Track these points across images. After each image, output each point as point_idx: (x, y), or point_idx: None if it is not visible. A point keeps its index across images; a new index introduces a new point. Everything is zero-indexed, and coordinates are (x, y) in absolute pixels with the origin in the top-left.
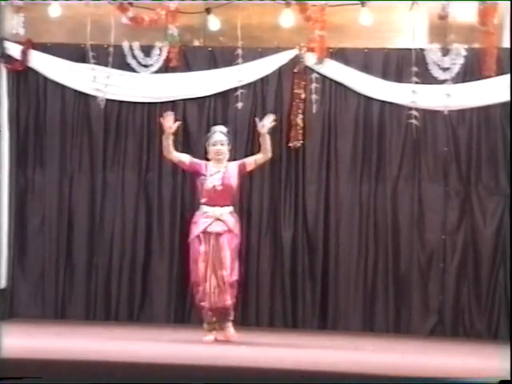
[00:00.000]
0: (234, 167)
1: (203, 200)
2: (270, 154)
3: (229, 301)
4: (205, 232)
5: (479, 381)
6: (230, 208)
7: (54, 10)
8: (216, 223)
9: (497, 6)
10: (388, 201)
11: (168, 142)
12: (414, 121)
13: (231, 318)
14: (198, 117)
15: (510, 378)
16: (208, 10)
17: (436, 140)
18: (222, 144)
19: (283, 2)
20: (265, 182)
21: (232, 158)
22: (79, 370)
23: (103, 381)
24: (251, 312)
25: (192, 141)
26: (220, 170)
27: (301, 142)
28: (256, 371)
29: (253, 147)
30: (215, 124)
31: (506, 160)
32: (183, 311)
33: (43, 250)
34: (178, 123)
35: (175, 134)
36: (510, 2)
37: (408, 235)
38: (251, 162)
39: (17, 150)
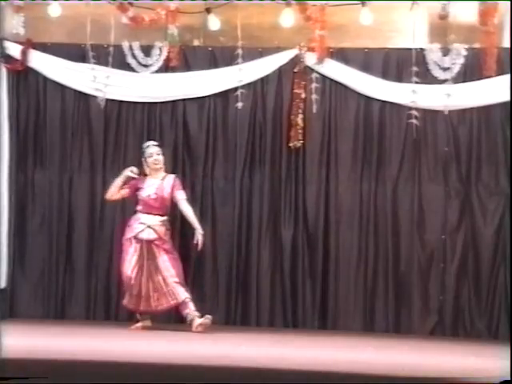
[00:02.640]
0: (170, 180)
1: (138, 207)
2: (199, 230)
3: (183, 295)
4: (136, 238)
5: (479, 381)
6: (163, 218)
7: (54, 10)
8: (147, 230)
9: (497, 6)
10: (388, 201)
11: (117, 186)
12: (414, 121)
13: (192, 313)
14: (198, 117)
15: (510, 378)
16: (208, 10)
17: (436, 140)
18: (158, 154)
19: (283, 1)
20: (265, 182)
21: (232, 159)
22: (79, 369)
23: (103, 381)
24: (251, 312)
25: (192, 141)
26: (155, 182)
27: (301, 141)
28: (256, 371)
29: (253, 147)
30: (215, 124)
31: (506, 160)
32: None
33: (43, 249)
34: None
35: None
36: (510, 2)
37: (408, 235)
38: (180, 199)
39: (17, 150)
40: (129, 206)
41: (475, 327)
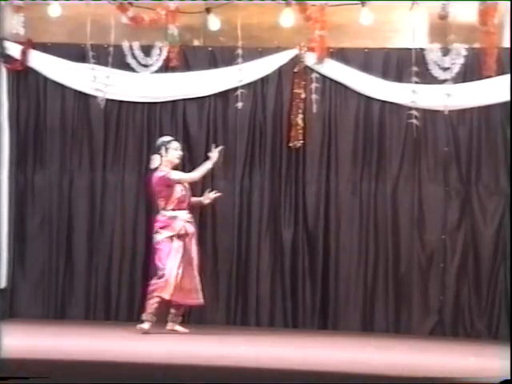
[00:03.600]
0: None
1: (172, 205)
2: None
3: (201, 300)
4: (179, 235)
5: (479, 381)
6: (189, 212)
7: (54, 10)
8: (187, 225)
9: (497, 6)
10: (388, 201)
11: (207, 169)
12: (414, 121)
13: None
14: (198, 117)
15: (510, 378)
16: (208, 10)
17: (436, 140)
18: (180, 148)
19: (283, 1)
20: (265, 182)
21: (232, 159)
22: (79, 369)
23: (103, 381)
24: (251, 312)
25: (192, 141)
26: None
27: (301, 141)
28: (256, 371)
29: (253, 147)
30: (215, 124)
31: (506, 160)
32: (183, 311)
33: (43, 250)
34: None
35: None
36: (509, 2)
37: (408, 235)
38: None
39: (17, 150)
40: (129, 206)
41: (475, 327)
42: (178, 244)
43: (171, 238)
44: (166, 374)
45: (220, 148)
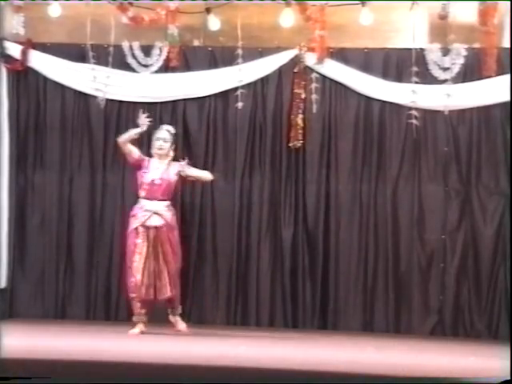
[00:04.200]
0: (175, 166)
1: (142, 194)
2: (210, 177)
3: (170, 292)
4: (143, 226)
5: (479, 381)
6: (167, 202)
7: (54, 10)
8: (154, 217)
9: (497, 6)
10: (388, 201)
11: (131, 135)
12: (414, 121)
13: (179, 312)
14: (198, 117)
15: (510, 378)
16: (208, 10)
17: (436, 140)
18: (165, 141)
19: (283, 1)
20: (265, 182)
21: (232, 159)
22: (79, 369)
23: (103, 381)
24: (251, 312)
25: (192, 141)
26: (160, 167)
27: (301, 141)
28: (256, 371)
29: (253, 147)
30: (215, 124)
31: (506, 160)
32: (183, 311)
33: (43, 250)
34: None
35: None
36: (510, 2)
37: (408, 235)
38: (191, 173)
39: (17, 150)
40: (129, 206)
41: (475, 327)
42: (143, 236)
43: (137, 229)
44: (165, 374)
45: (146, 114)
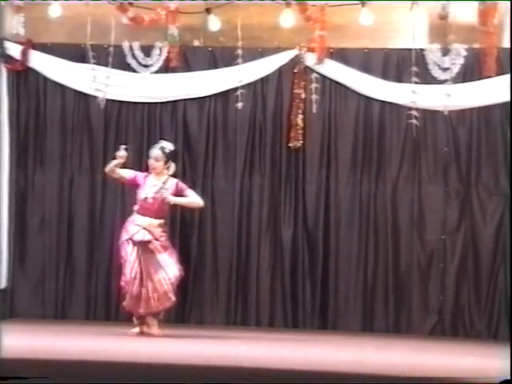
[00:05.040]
0: (172, 185)
1: (135, 208)
2: (199, 205)
3: (172, 299)
4: (132, 239)
5: (479, 381)
6: (160, 221)
7: (54, 10)
8: (142, 232)
9: (497, 6)
10: (388, 201)
11: (115, 166)
12: (414, 121)
13: (160, 317)
14: (198, 117)
15: (510, 378)
16: (208, 10)
17: (436, 140)
18: (157, 160)
19: (283, 1)
20: (265, 182)
21: (232, 160)
22: (79, 370)
23: (103, 381)
24: (251, 312)
25: (192, 141)
26: (157, 184)
27: (301, 142)
28: (256, 371)
29: (253, 147)
30: (215, 124)
31: (506, 160)
32: (183, 311)
33: (43, 249)
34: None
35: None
36: (509, 2)
37: (408, 235)
38: (186, 194)
39: (17, 150)
40: (129, 206)
41: (475, 327)
42: (131, 249)
43: (127, 241)
44: (165, 374)
45: (125, 147)
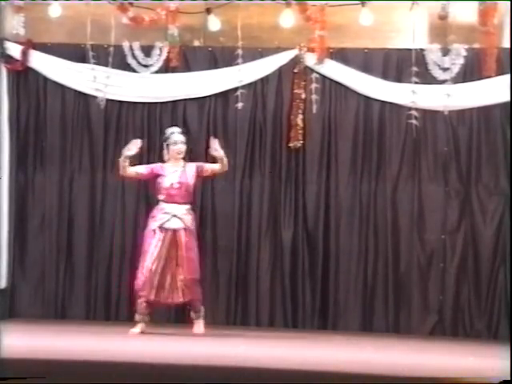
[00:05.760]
0: (192, 168)
1: (161, 197)
2: (226, 168)
3: (183, 297)
4: (161, 228)
5: (479, 381)
6: (187, 206)
7: (54, 10)
8: (173, 220)
9: (497, 6)
10: (388, 201)
11: (125, 163)
12: (413, 121)
13: (201, 314)
14: (198, 117)
15: (510, 378)
16: (208, 10)
17: (436, 140)
18: (183, 143)
19: (283, 1)
20: (265, 182)
21: (232, 159)
22: (79, 370)
23: (103, 381)
24: (251, 312)
25: (192, 141)
26: (177, 170)
27: (301, 142)
28: (256, 371)
29: (253, 147)
30: (215, 124)
31: (506, 160)
32: (183, 311)
33: (43, 250)
34: (138, 147)
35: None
36: (510, 2)
37: (408, 235)
38: (208, 168)
39: (17, 150)
40: (129, 206)
41: (475, 327)
42: (158, 238)
43: (154, 230)
44: (165, 374)
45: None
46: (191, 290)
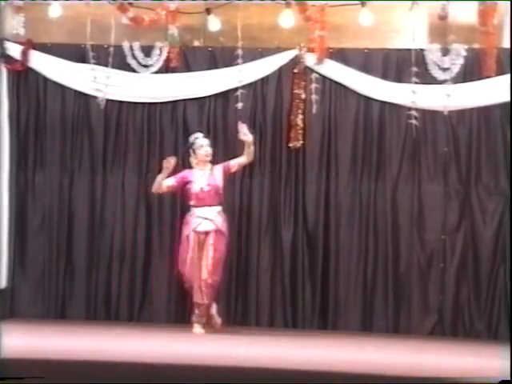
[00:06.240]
0: (218, 169)
1: (192, 202)
2: (252, 158)
3: (205, 300)
4: (194, 231)
5: (479, 381)
6: (218, 208)
7: (54, 10)
8: (205, 222)
9: (497, 6)
10: (388, 201)
11: (162, 184)
12: (413, 121)
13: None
14: (198, 117)
15: (510, 378)
16: (208, 11)
17: (436, 140)
18: (208, 145)
19: (283, 1)
20: (265, 182)
21: (233, 158)
22: (79, 370)
23: (103, 381)
24: (251, 312)
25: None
26: (205, 173)
27: (301, 142)
28: (256, 371)
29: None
30: (215, 124)
31: (506, 160)
32: (183, 311)
33: (43, 249)
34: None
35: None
36: (510, 2)
37: (408, 235)
38: (234, 164)
39: (17, 150)
40: (129, 206)
41: (475, 327)
42: (192, 242)
43: (188, 236)
44: (165, 374)
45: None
46: (208, 292)
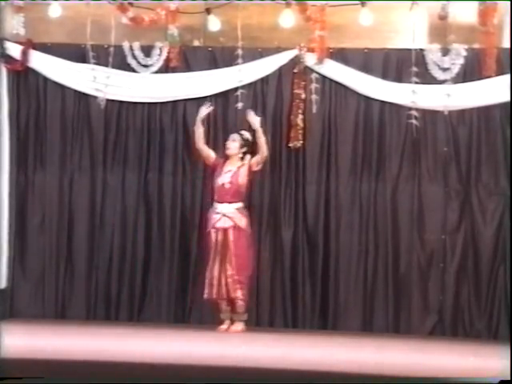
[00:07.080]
0: (245, 167)
1: (215, 197)
2: (266, 152)
3: (235, 293)
4: (214, 227)
5: (479, 381)
6: (238, 204)
7: (54, 10)
8: (223, 219)
9: (497, 6)
10: (388, 201)
11: (200, 131)
12: (413, 121)
13: (241, 318)
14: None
15: (510, 378)
16: (208, 10)
17: (436, 140)
18: (233, 140)
19: (283, 1)
20: (265, 182)
21: None
22: (79, 370)
23: (103, 381)
24: (251, 312)
25: (192, 141)
26: (232, 169)
27: (301, 142)
28: (256, 371)
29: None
30: (215, 124)
31: (505, 160)
32: (183, 311)
33: (43, 249)
34: (208, 111)
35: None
36: (510, 2)
37: (408, 235)
38: (253, 163)
39: (17, 150)
40: (129, 206)
41: (475, 327)
42: (213, 238)
43: (209, 232)
44: (165, 374)
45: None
46: (235, 288)
